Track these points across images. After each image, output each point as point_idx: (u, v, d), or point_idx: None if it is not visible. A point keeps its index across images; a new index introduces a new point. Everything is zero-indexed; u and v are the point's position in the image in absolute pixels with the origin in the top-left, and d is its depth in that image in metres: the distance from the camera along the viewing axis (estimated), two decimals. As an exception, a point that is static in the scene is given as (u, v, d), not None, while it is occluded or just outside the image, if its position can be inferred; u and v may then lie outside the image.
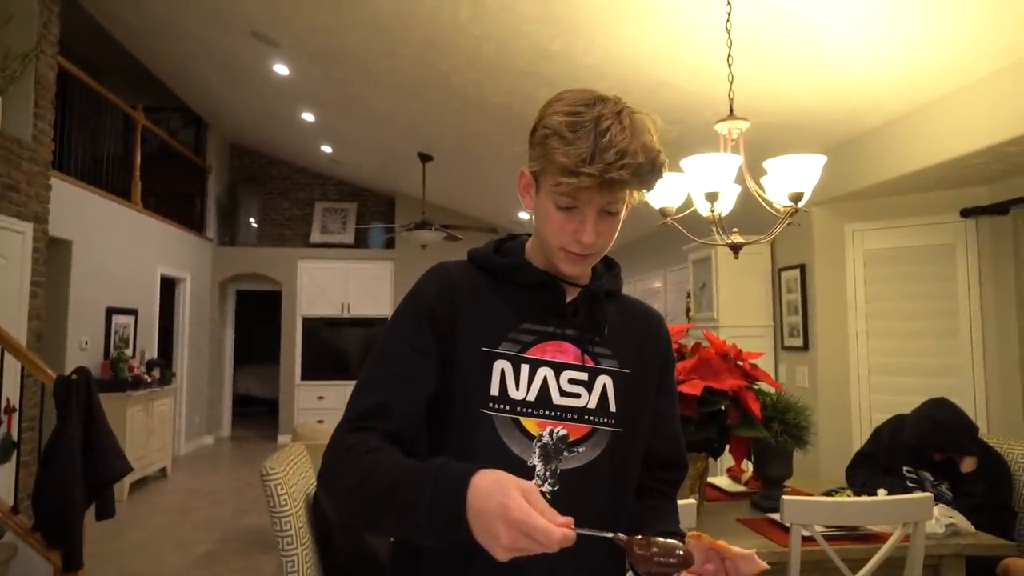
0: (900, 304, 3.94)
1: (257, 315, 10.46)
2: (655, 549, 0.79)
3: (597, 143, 0.91)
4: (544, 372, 1.01)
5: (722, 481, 2.78)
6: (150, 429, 6.23)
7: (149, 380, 6.30)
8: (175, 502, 5.86)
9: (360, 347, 8.92)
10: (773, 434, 2.26)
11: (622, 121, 0.93)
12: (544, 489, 0.98)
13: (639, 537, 0.80)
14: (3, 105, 4.34)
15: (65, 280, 5.46)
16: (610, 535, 0.80)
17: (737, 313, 4.58)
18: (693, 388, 2.11)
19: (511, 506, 0.75)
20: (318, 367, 8.83)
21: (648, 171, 0.95)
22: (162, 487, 6.37)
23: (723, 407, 2.19)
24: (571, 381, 1.02)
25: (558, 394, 1.01)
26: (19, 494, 3.82)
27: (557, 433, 1.00)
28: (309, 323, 8.92)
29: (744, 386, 2.19)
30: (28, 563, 3.69)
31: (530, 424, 1.00)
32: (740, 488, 2.67)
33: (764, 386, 2.34)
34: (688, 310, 5.30)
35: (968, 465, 2.47)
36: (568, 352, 1.03)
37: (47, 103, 4.76)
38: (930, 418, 2.53)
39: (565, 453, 1.00)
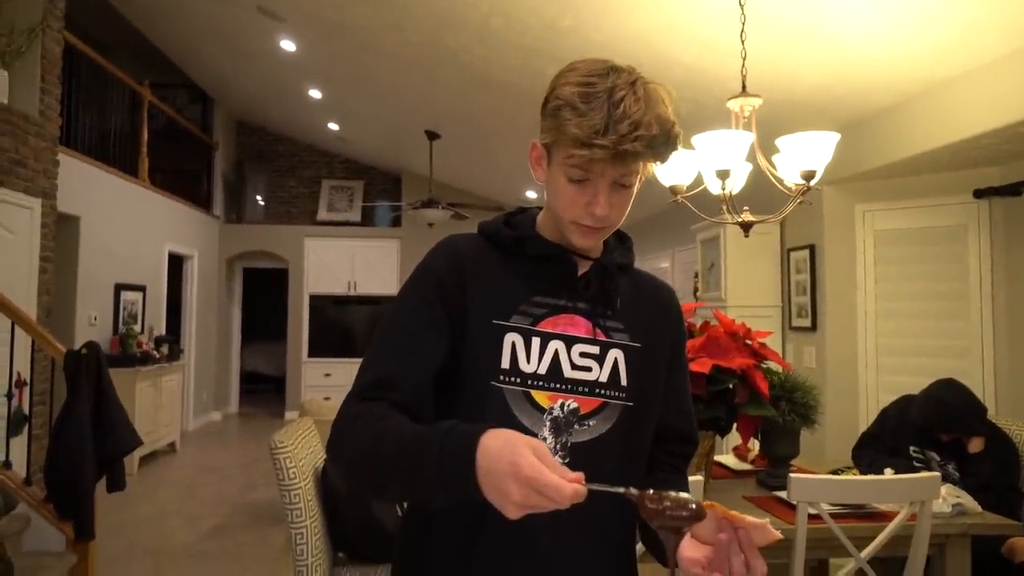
0: (910, 285, 3.92)
1: (264, 293, 10.49)
2: (667, 503, 0.79)
3: (611, 114, 0.89)
4: (555, 345, 1.01)
5: (728, 459, 2.79)
6: (159, 404, 6.29)
7: (157, 356, 6.34)
8: (184, 476, 5.93)
9: (367, 325, 8.95)
10: (781, 413, 2.26)
11: (636, 92, 0.91)
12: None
13: (651, 492, 0.80)
14: (9, 80, 4.32)
15: (74, 256, 5.48)
16: (621, 490, 0.80)
17: (745, 293, 4.56)
18: (701, 366, 2.10)
19: (522, 464, 0.74)
20: (325, 345, 8.88)
21: (662, 143, 0.93)
22: (171, 461, 6.44)
23: (731, 386, 2.19)
24: (582, 354, 1.01)
25: (569, 367, 1.00)
26: (31, 467, 3.87)
27: (568, 406, 1.00)
28: (316, 301, 8.94)
29: (753, 365, 2.18)
30: (41, 533, 3.74)
31: (541, 397, 0.99)
32: (746, 467, 2.68)
33: (772, 365, 2.34)
34: (696, 290, 5.29)
35: (976, 446, 2.47)
36: (579, 325, 1.03)
37: (53, 78, 4.74)
38: (938, 398, 2.52)
39: (576, 426, 1.00)
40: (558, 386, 1.00)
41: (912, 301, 3.90)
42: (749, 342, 2.27)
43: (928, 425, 2.52)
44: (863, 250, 4.06)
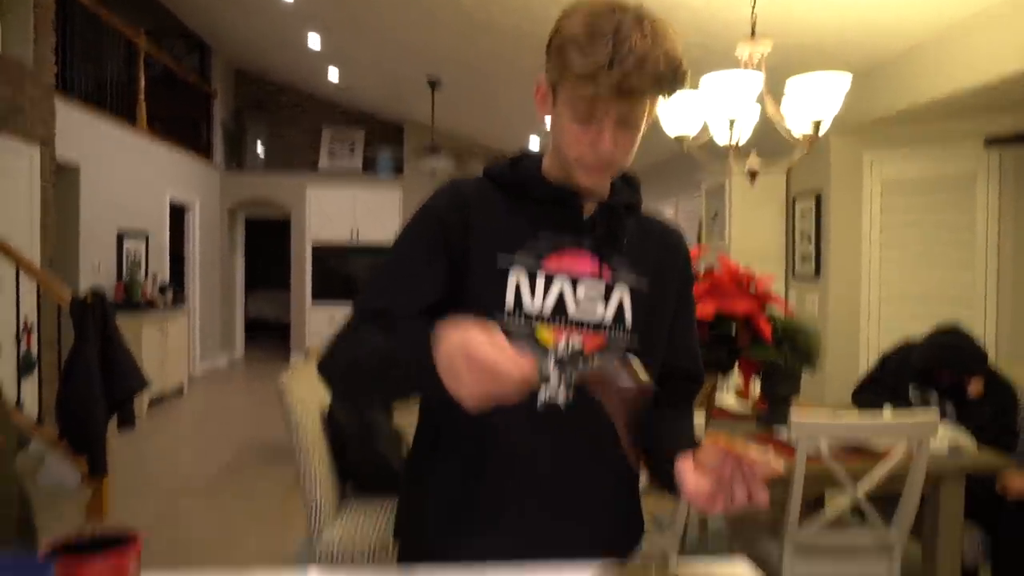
0: (915, 234, 3.91)
1: (267, 242, 10.48)
2: (612, 377, 0.79)
3: (616, 50, 0.88)
4: (560, 284, 1.01)
5: (729, 400, 2.83)
6: (165, 350, 6.36)
7: (162, 303, 6.38)
8: (193, 418, 6.04)
9: (370, 272, 8.95)
10: (782, 356, 2.28)
11: (643, 28, 0.90)
12: (559, 401, 1.00)
13: (596, 368, 0.80)
14: (2, 28, 4.24)
15: (75, 203, 5.47)
16: (576, 374, 0.80)
17: (749, 242, 4.56)
18: (705, 311, 2.12)
19: (472, 343, 0.75)
20: (329, 291, 8.92)
21: (669, 80, 0.92)
22: (179, 404, 6.54)
23: (734, 331, 2.21)
24: (587, 293, 1.02)
25: (574, 306, 1.01)
26: (42, 409, 3.94)
27: (573, 346, 1.00)
28: (318, 250, 8.95)
29: (756, 310, 2.20)
30: (57, 471, 3.84)
31: (545, 336, 1.00)
32: (746, 409, 2.72)
33: (776, 310, 2.35)
34: (700, 240, 5.28)
35: (975, 389, 2.50)
36: (585, 265, 1.03)
37: (47, 26, 4.66)
38: (940, 340, 2.54)
39: (580, 366, 1.00)
40: (563, 325, 1.00)
41: (917, 250, 3.89)
42: (753, 287, 2.28)
43: (929, 367, 2.54)
44: (870, 199, 4.04)
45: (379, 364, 0.90)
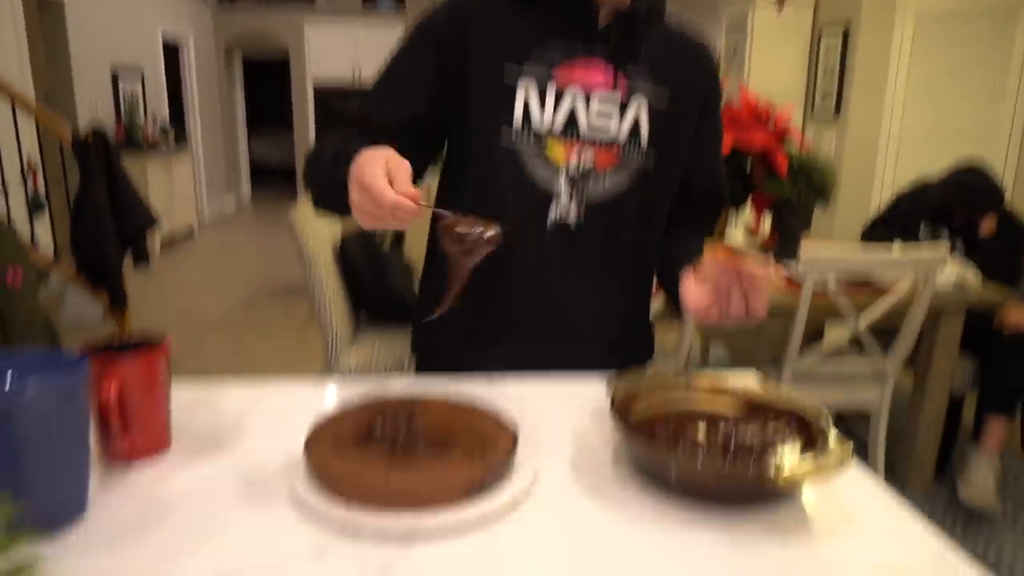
0: (945, 69, 3.72)
1: (267, 86, 10.12)
2: (460, 228, 0.76)
3: None
4: (572, 97, 0.96)
5: (738, 235, 2.83)
6: (172, 191, 6.34)
7: (164, 144, 6.28)
8: (205, 257, 6.15)
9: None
10: (796, 191, 2.25)
11: None
12: (570, 220, 0.98)
13: (451, 216, 0.77)
14: None
15: (63, 39, 5.22)
16: (438, 211, 0.77)
17: (769, 79, 4.36)
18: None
19: (365, 172, 0.75)
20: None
21: None
22: (191, 245, 6.64)
23: (749, 165, 2.16)
24: (601, 107, 0.97)
25: (587, 121, 0.96)
26: (57, 247, 3.99)
27: (584, 163, 0.97)
28: (320, 91, 8.64)
29: (774, 144, 2.14)
30: (78, 305, 3.96)
31: (555, 153, 0.96)
32: (755, 244, 2.72)
33: (793, 145, 2.29)
34: (717, 74, 5.06)
35: (987, 227, 2.48)
36: (599, 76, 0.97)
37: None
38: (959, 177, 2.49)
39: (592, 183, 0.98)
40: (573, 141, 0.97)
41: (944, 87, 3.72)
42: (772, 121, 2.20)
43: (944, 205, 2.51)
44: (901, 30, 3.80)
45: (319, 171, 0.93)
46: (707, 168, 1.09)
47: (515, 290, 1.03)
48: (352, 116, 1.00)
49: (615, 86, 0.97)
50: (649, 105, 0.99)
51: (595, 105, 0.97)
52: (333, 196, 0.85)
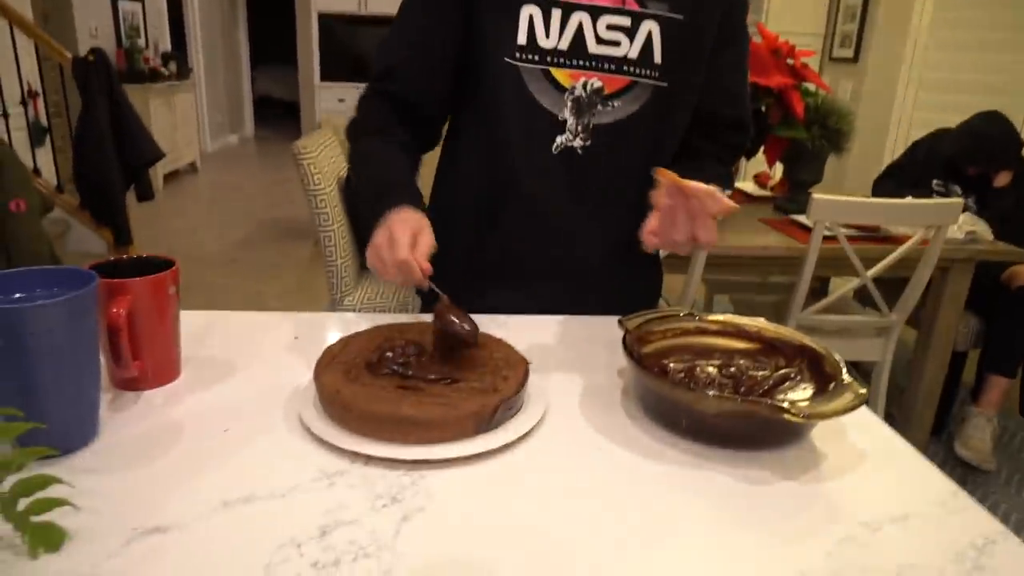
0: (971, 16, 3.59)
1: (270, 14, 9.84)
2: (449, 316, 0.75)
3: None
4: (579, 17, 0.91)
5: (747, 186, 2.79)
6: (174, 124, 6.25)
7: (166, 73, 6.15)
8: (208, 194, 6.10)
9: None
10: (812, 137, 2.20)
11: None
12: (575, 144, 0.96)
13: (446, 302, 0.77)
14: None
15: (60, -43, 5.06)
16: (439, 292, 0.79)
17: (787, 19, 4.24)
18: (737, 83, 2.01)
19: (396, 225, 0.80)
20: (337, 69, 8.51)
21: None
22: (194, 180, 6.58)
23: (764, 106, 2.11)
24: (610, 27, 0.92)
25: (594, 42, 0.92)
26: (60, 178, 3.95)
27: (591, 85, 0.94)
28: (325, 21, 8.40)
29: (791, 85, 2.08)
30: (83, 238, 3.96)
31: (562, 75, 0.93)
32: (765, 193, 2.70)
33: (811, 87, 2.23)
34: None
35: (1002, 180, 2.44)
36: None
37: None
38: (977, 126, 2.44)
39: (599, 107, 0.94)
40: (581, 63, 0.93)
41: (971, 30, 3.60)
42: (791, 61, 2.14)
43: (960, 155, 2.46)
44: (927, -28, 3.67)
45: (360, 187, 1.01)
46: (725, 91, 1.03)
47: (518, 224, 1.02)
48: (378, 72, 1.01)
49: (623, 4, 0.92)
50: (662, 23, 0.93)
51: (603, 24, 0.92)
52: (364, 219, 0.91)
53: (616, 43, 0.93)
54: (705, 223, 0.77)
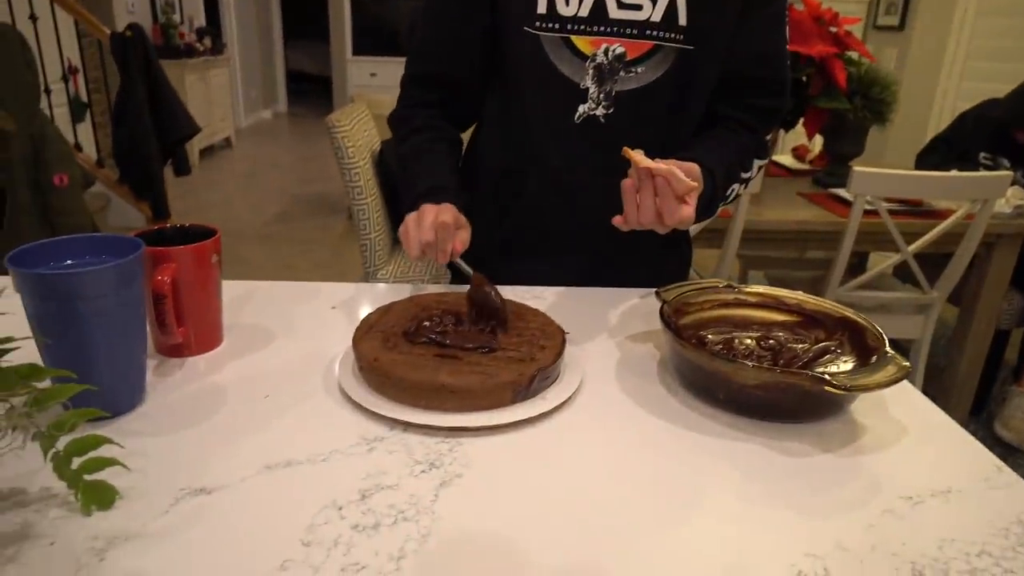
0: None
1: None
2: (487, 288, 0.77)
3: None
4: None
5: (786, 159, 2.74)
6: (209, 99, 6.31)
7: (201, 48, 6.20)
8: (243, 168, 6.17)
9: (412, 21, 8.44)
10: (854, 108, 2.14)
11: None
12: (598, 113, 0.94)
13: (480, 276, 0.78)
14: None
15: (98, -67, 5.10)
16: (470, 270, 0.81)
17: (829, -13, 4.10)
18: (777, 53, 1.95)
19: (409, 222, 0.86)
20: (369, 43, 8.50)
21: None
22: (229, 155, 6.66)
23: (805, 76, 2.06)
24: None
25: (616, 6, 0.90)
26: (100, 152, 4.03)
27: (613, 51, 0.91)
28: (357, -4, 8.38)
29: (833, 54, 2.02)
30: (122, 212, 4.04)
31: (582, 43, 0.91)
32: (804, 167, 2.64)
33: (854, 55, 2.17)
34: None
35: (1054, 150, 2.35)
36: None
37: None
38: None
39: (622, 73, 0.92)
40: (602, 29, 0.91)
41: (1019, 2, 3.46)
42: (834, 29, 2.08)
43: (1013, 118, 2.35)
44: (979, -65, 3.52)
45: (398, 171, 1.05)
46: (759, 53, 0.97)
47: (542, 195, 1.02)
48: (411, 74, 1.04)
49: None
50: None
51: None
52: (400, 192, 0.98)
53: (638, 7, 0.90)
54: (668, 204, 0.76)
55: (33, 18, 3.54)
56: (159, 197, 3.55)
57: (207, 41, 6.40)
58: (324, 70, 9.53)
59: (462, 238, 0.86)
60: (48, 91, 3.77)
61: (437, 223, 0.83)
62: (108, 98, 4.19)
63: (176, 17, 6.12)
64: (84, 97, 4.32)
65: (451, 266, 1.16)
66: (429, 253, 0.83)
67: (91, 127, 4.35)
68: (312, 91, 10.49)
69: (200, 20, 6.70)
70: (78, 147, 3.99)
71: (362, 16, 8.45)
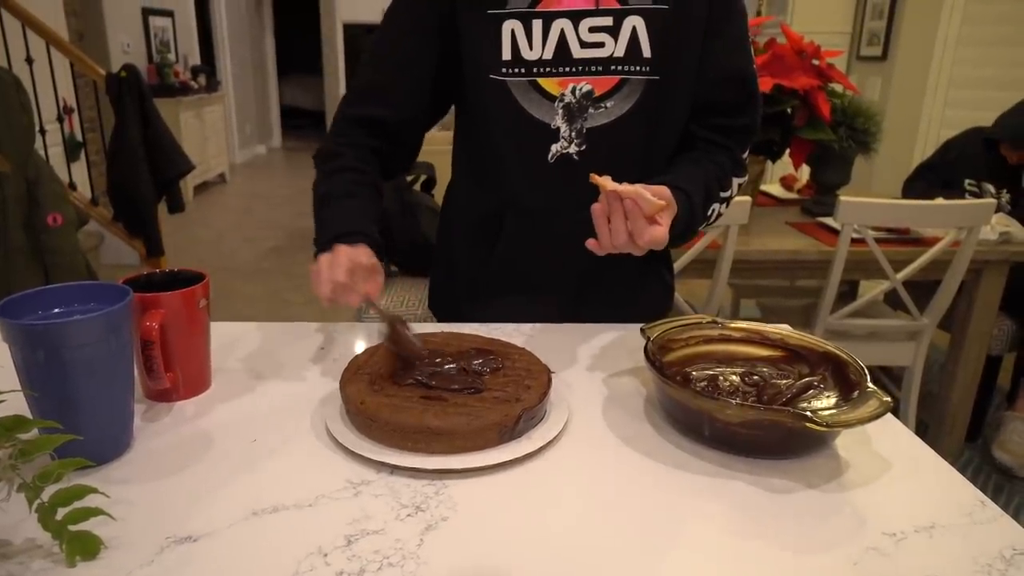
0: (1004, 11, 3.52)
1: (296, 23, 10.00)
2: (405, 333, 0.77)
3: None
4: (560, 24, 0.91)
5: (774, 188, 2.77)
6: (204, 136, 6.37)
7: (196, 86, 6.28)
8: (238, 204, 6.20)
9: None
10: (839, 138, 2.18)
11: None
12: (571, 151, 0.96)
13: (397, 325, 0.78)
14: None
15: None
16: (389, 318, 0.78)
17: (813, 17, 4.19)
18: (762, 86, 1.99)
19: (322, 258, 0.84)
20: (362, 79, 8.61)
21: None
22: (224, 190, 6.69)
23: (790, 108, 2.09)
24: (592, 29, 0.91)
25: (578, 46, 0.91)
26: (95, 191, 4.06)
27: (580, 90, 0.93)
28: (350, 30, 8.51)
29: (817, 86, 2.06)
30: (116, 250, 4.05)
31: (549, 84, 0.93)
32: (792, 195, 2.67)
33: (838, 87, 2.21)
34: (759, 12, 4.86)
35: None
36: None
37: None
38: (1017, 113, 2.37)
39: (591, 110, 0.94)
40: (567, 70, 0.92)
41: (1004, 26, 3.52)
42: (816, 62, 2.12)
43: (1005, 136, 2.37)
44: (956, -32, 3.61)
45: (315, 207, 1.03)
46: (726, 77, 0.98)
47: (520, 236, 1.02)
48: (358, 88, 1.02)
49: (597, 5, 0.91)
50: (647, 16, 0.91)
51: (585, 28, 0.91)
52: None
53: (600, 44, 0.92)
54: (638, 225, 0.77)
55: (29, 60, 3.58)
56: (152, 234, 3.56)
57: (202, 79, 6.48)
58: (318, 104, 9.64)
59: (376, 281, 0.85)
60: (43, 131, 3.81)
61: (352, 264, 0.82)
62: (103, 137, 4.23)
63: (171, 56, 6.20)
64: (79, 136, 4.36)
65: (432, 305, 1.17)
66: (339, 295, 0.81)
67: (86, 165, 4.38)
68: (306, 125, 10.59)
69: (195, 58, 6.78)
70: (72, 185, 4.01)
71: (355, 51, 8.58)
